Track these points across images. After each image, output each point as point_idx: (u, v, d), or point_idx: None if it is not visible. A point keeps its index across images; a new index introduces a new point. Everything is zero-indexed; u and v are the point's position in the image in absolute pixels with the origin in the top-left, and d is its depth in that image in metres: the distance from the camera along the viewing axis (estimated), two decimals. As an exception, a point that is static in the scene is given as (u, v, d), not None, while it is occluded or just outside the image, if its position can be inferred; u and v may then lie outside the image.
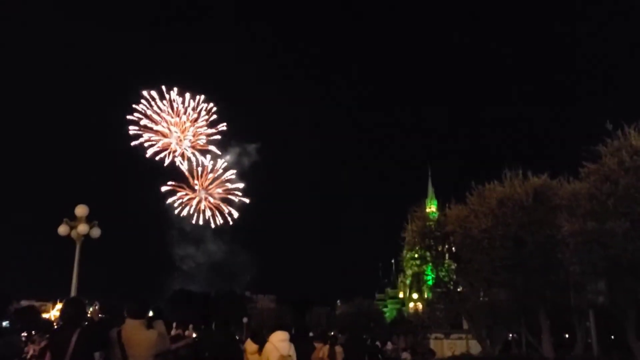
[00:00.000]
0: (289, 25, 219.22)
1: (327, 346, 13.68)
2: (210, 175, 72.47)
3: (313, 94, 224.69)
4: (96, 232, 16.42)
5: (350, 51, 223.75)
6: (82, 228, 15.98)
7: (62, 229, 16.00)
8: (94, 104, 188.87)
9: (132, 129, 67.85)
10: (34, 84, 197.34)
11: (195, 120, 70.93)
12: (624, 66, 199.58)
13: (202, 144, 71.74)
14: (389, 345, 29.41)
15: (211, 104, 71.36)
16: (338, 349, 13.88)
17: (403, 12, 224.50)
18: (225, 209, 73.02)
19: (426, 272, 31.06)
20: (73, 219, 16.13)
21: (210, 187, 72.66)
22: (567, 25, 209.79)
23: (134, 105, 68.06)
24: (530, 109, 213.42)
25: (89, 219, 16.29)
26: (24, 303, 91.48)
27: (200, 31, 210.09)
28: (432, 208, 65.27)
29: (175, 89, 70.33)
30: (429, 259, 27.01)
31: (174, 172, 70.76)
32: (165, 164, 69.83)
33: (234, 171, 74.24)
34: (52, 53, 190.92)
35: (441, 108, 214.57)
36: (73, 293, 15.60)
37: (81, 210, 16.18)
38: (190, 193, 71.71)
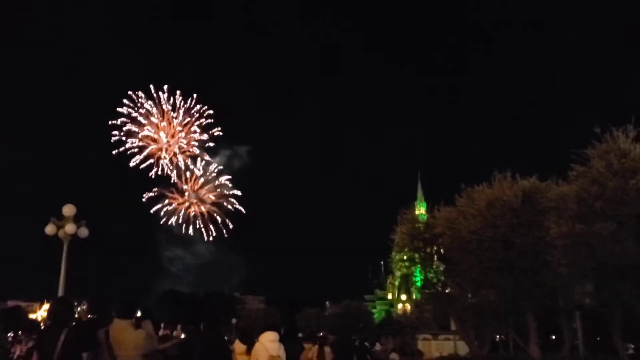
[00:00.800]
0: (283, 25, 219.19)
1: (317, 347, 13.69)
2: (201, 180, 71.75)
3: (306, 94, 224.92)
4: (84, 232, 16.34)
5: (342, 52, 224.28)
6: (70, 228, 15.89)
7: (50, 229, 15.91)
8: (84, 102, 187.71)
9: (116, 135, 66.49)
10: (21, 81, 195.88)
11: (186, 124, 69.89)
12: (613, 70, 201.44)
13: (193, 151, 70.72)
14: (378, 346, 29.42)
15: (202, 106, 70.26)
16: (327, 349, 13.89)
17: (398, 11, 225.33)
18: (218, 217, 72.48)
19: (415, 274, 31.15)
20: (60, 219, 16.04)
21: (201, 191, 71.94)
22: (558, 29, 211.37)
23: (118, 109, 66.81)
24: (519, 112, 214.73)
25: (76, 219, 16.22)
26: (10, 303, 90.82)
27: (193, 29, 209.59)
28: (421, 210, 65.34)
29: (165, 87, 69.27)
30: (417, 260, 27.06)
31: (161, 179, 70.12)
32: (151, 172, 68.65)
33: (229, 177, 73.27)
34: (42, 51, 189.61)
35: (431, 110, 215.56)
36: (61, 293, 15.52)
37: (69, 209, 16.09)
38: (179, 198, 70.91)
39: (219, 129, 70.94)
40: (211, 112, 70.23)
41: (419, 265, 27.76)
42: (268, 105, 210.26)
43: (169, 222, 72.22)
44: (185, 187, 70.95)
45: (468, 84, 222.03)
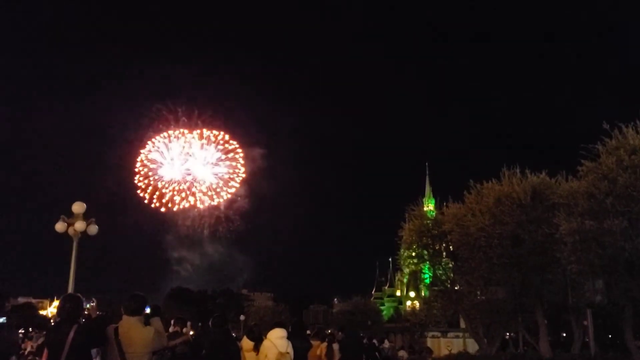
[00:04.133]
0: (290, 32, 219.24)
1: (325, 344, 13.72)
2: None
3: (309, 91, 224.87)
4: (93, 229, 16.41)
5: (346, 50, 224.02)
6: (79, 225, 15.96)
7: (60, 226, 15.98)
8: (94, 102, 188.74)
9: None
10: (34, 82, 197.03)
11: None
12: (622, 65, 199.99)
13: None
14: (386, 344, 29.34)
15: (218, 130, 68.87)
16: (335, 346, 13.92)
17: (401, 10, 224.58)
18: (228, 217, 72.58)
19: (423, 271, 31.02)
20: (70, 216, 16.11)
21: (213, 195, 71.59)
22: (564, 24, 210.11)
23: (142, 151, 65.76)
24: (528, 108, 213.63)
25: (86, 217, 16.28)
26: (21, 300, 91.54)
27: (203, 34, 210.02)
28: (429, 206, 65.16)
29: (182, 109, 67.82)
30: (426, 257, 26.97)
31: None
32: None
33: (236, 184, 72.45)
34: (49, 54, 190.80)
35: (439, 106, 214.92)
36: (70, 290, 15.58)
37: (78, 207, 16.16)
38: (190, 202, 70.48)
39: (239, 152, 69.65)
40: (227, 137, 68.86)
41: (427, 262, 27.67)
42: (277, 107, 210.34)
43: (179, 223, 72.44)
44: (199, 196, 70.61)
45: (475, 79, 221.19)
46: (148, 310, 7.66)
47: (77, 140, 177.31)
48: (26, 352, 19.47)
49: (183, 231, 78.48)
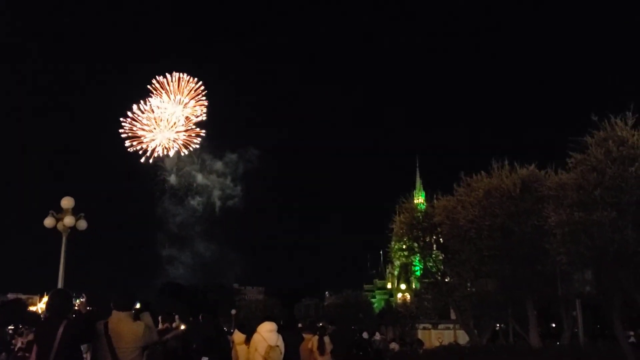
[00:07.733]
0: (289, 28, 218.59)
1: (316, 337, 13.72)
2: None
3: (300, 85, 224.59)
4: (82, 225, 16.32)
5: (341, 47, 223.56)
6: (68, 220, 15.86)
7: (49, 221, 15.88)
8: (85, 96, 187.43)
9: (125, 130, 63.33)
10: (22, 77, 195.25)
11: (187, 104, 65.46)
12: (612, 56, 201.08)
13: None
14: (377, 336, 29.45)
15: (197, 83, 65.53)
16: (326, 339, 13.93)
17: (391, 8, 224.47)
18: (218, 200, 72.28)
19: (414, 263, 31.09)
20: (59, 211, 16.00)
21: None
22: (550, 16, 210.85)
23: (123, 121, 62.95)
24: (517, 101, 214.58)
25: (75, 212, 16.18)
26: (10, 296, 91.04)
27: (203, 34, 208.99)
28: (420, 199, 65.34)
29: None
30: (416, 249, 27.04)
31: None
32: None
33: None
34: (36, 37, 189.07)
35: (429, 100, 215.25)
36: (60, 285, 15.51)
37: (67, 202, 16.05)
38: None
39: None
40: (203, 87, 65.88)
41: (418, 255, 27.73)
42: (269, 103, 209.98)
43: (167, 217, 72.44)
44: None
45: (465, 72, 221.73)
46: (138, 306, 7.65)
47: (66, 133, 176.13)
48: (16, 348, 19.37)
49: (174, 228, 78.32)
